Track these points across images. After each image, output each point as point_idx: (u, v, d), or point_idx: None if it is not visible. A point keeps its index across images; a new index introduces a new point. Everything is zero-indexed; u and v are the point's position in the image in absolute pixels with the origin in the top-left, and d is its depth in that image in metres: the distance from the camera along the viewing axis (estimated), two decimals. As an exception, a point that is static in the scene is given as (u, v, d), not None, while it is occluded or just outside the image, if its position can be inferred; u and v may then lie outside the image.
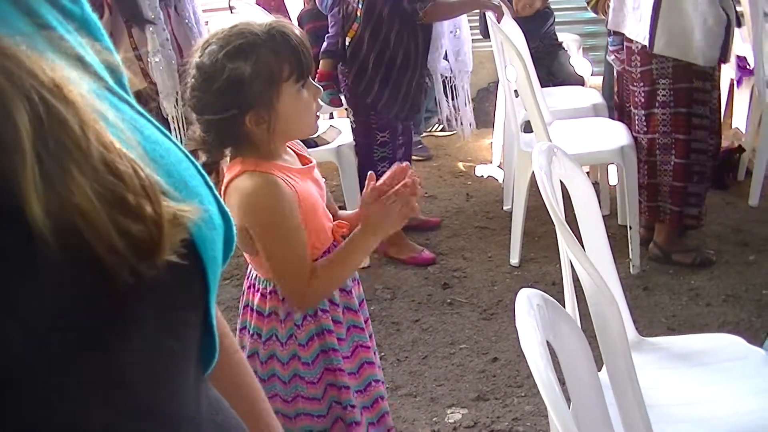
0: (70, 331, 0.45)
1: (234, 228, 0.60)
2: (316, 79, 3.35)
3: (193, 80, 1.44)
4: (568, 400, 1.08)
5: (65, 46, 0.49)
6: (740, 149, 3.98)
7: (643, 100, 3.11)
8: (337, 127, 3.50)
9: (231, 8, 4.79)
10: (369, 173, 1.57)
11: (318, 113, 1.56)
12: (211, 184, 0.59)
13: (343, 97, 3.46)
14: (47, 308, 0.44)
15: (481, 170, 4.42)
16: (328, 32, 3.67)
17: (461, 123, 3.74)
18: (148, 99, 3.41)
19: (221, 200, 0.58)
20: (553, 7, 4.43)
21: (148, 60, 3.32)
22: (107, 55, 0.55)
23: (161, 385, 0.52)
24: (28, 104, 0.41)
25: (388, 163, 3.11)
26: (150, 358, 0.50)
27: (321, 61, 3.34)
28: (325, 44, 3.34)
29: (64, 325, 0.44)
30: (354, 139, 3.38)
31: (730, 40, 2.92)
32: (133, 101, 0.56)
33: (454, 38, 3.48)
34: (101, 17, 3.26)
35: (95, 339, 0.46)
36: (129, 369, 0.48)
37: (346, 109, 3.51)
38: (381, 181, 1.56)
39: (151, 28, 3.37)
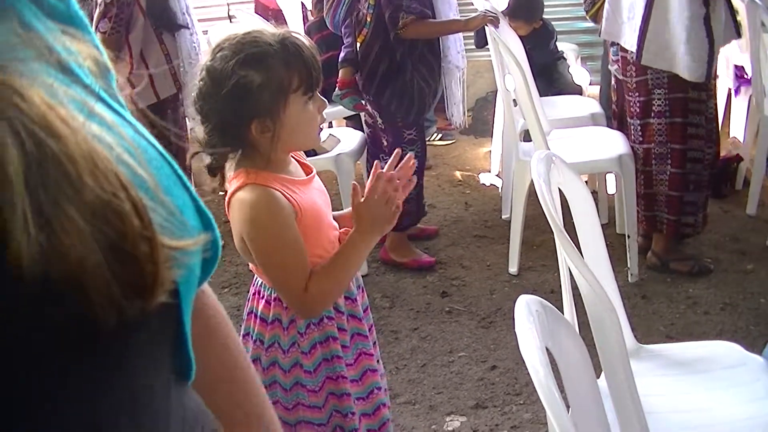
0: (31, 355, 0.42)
1: (218, 234, 0.56)
2: (337, 87, 3.36)
3: (201, 83, 1.44)
4: (567, 407, 1.09)
5: (49, 53, 0.46)
6: (738, 158, 4.00)
7: (638, 110, 3.11)
8: (336, 136, 3.50)
9: (230, 18, 4.82)
10: (375, 162, 1.57)
11: (321, 126, 1.57)
12: (189, 184, 0.55)
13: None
14: (17, 335, 0.41)
15: (479, 179, 4.43)
16: (336, 40, 3.68)
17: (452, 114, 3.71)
18: (177, 104, 3.45)
19: (200, 203, 0.55)
20: (551, 17, 4.44)
21: (180, 65, 3.38)
22: (97, 54, 0.51)
23: (121, 399, 0.48)
24: (16, 140, 0.38)
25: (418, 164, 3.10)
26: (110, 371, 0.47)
27: (340, 70, 3.38)
28: (342, 54, 3.37)
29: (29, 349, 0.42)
30: (385, 142, 3.36)
31: (714, 57, 2.89)
32: (117, 104, 0.52)
33: (461, 58, 3.50)
34: (135, 23, 3.30)
35: (52, 360, 0.43)
36: (84, 382, 0.45)
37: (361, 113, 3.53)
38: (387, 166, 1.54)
39: (186, 34, 3.44)
